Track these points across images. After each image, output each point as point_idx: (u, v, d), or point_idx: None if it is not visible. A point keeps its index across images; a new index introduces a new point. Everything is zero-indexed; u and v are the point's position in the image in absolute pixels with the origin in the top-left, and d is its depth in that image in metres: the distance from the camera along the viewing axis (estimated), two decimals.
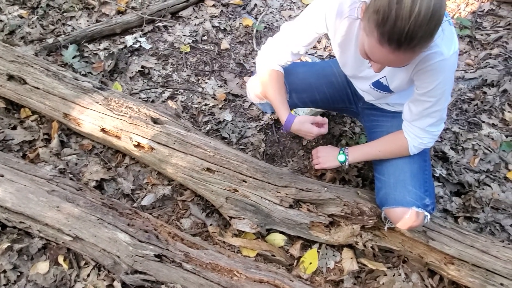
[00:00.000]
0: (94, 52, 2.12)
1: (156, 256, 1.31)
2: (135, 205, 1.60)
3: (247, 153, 1.81)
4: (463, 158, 1.87)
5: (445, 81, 1.15)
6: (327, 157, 1.49)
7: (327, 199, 1.45)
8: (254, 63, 2.25)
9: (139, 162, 1.73)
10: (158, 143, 1.58)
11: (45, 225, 1.38)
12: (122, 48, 2.16)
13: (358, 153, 1.45)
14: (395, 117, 1.50)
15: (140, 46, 2.19)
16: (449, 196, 1.73)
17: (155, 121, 1.64)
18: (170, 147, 1.56)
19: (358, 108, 1.63)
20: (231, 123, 1.93)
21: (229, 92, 2.07)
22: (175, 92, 2.03)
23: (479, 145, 1.91)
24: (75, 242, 1.36)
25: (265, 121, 1.96)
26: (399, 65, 1.03)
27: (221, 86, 2.10)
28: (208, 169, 1.52)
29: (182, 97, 2.02)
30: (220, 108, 2.00)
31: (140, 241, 1.34)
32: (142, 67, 2.09)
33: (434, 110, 1.23)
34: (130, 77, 2.05)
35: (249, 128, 1.93)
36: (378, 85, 1.36)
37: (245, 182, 1.49)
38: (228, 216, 1.51)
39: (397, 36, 0.89)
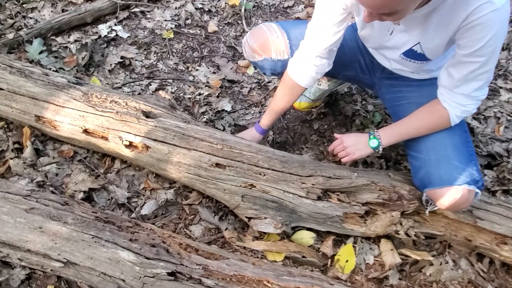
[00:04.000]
0: (64, 45, 1.84)
1: (169, 274, 1.07)
2: (134, 215, 1.35)
3: None
4: (487, 127, 1.72)
5: (497, 36, 0.98)
6: (357, 145, 1.27)
7: (360, 185, 1.25)
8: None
9: (131, 165, 1.48)
10: (154, 140, 1.34)
11: (27, 252, 1.11)
12: (96, 39, 1.88)
13: (391, 134, 1.26)
14: (422, 85, 1.32)
15: (117, 35, 1.92)
16: (480, 169, 1.57)
17: (148, 115, 1.39)
18: (169, 143, 1.33)
19: (374, 79, 1.44)
20: (229, 115, 1.70)
21: (224, 78, 1.84)
22: (164, 83, 1.79)
23: (501, 112, 1.77)
24: (66, 268, 1.11)
25: None
26: (389, 8, 0.85)
27: (214, 73, 1.87)
28: (218, 165, 1.30)
29: (172, 88, 1.78)
30: (217, 97, 1.77)
31: (147, 258, 1.10)
32: (122, 58, 1.83)
33: (482, 71, 1.05)
34: (109, 70, 1.79)
35: (253, 115, 1.71)
36: (411, 54, 1.17)
37: (263, 175, 1.27)
38: (246, 217, 1.29)
39: None
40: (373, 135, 1.25)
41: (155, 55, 1.90)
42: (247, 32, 2.02)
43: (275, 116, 1.44)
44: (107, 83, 1.74)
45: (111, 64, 1.79)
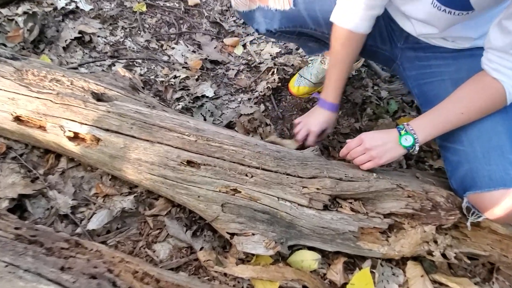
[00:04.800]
0: (10, 18, 1.50)
1: None
2: (79, 230, 1.02)
3: None
4: None
5: None
6: (384, 146, 0.93)
7: (381, 190, 0.93)
8: (234, 21, 1.70)
9: (82, 165, 1.14)
10: (106, 130, 1.00)
11: None
12: (50, 11, 1.54)
13: (430, 126, 0.92)
14: (459, 57, 1.01)
15: (77, 7, 1.59)
16: None
17: (99, 97, 1.06)
18: (126, 135, 0.99)
19: (395, 50, 1.12)
20: (211, 102, 1.37)
21: (206, 59, 1.51)
22: (130, 63, 1.45)
23: None
24: None
25: (260, 91, 1.42)
26: None
27: (194, 52, 1.54)
28: (190, 162, 0.96)
29: (141, 69, 1.44)
30: (197, 80, 1.44)
31: None
32: (81, 33, 1.49)
33: None
34: (63, 48, 1.45)
35: (240, 102, 1.38)
36: (447, 0, 0.85)
37: (251, 176, 0.94)
38: (228, 233, 0.96)
39: None
40: (404, 129, 0.92)
41: (123, 30, 1.56)
42: None
43: (341, 83, 1.10)
44: (60, 63, 1.41)
45: (66, 40, 1.45)
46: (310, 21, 1.08)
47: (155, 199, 1.10)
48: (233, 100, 1.38)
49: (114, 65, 1.43)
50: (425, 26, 0.97)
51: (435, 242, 0.95)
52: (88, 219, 1.04)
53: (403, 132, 0.92)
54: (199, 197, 0.97)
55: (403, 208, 0.92)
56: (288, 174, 0.95)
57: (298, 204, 0.93)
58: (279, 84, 1.43)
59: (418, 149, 0.92)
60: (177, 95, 1.37)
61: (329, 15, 1.02)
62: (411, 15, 0.96)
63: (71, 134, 1.03)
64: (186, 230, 1.03)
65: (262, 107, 1.36)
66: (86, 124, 1.01)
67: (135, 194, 1.09)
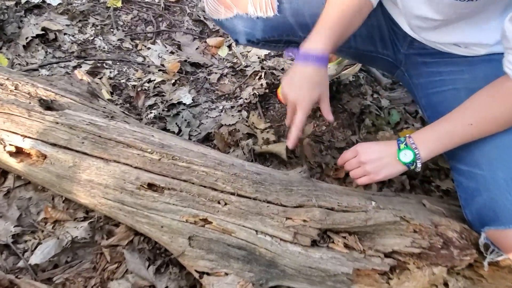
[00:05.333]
0: None
1: None
2: (21, 264, 0.85)
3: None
4: None
5: None
6: (380, 161, 0.78)
7: (382, 223, 0.76)
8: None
9: (31, 183, 0.98)
10: (54, 144, 0.84)
11: None
12: (11, 6, 1.38)
13: (434, 139, 0.76)
14: (474, 62, 0.86)
15: (43, 1, 1.42)
16: None
17: (48, 105, 0.90)
18: (76, 151, 0.83)
19: (398, 55, 0.96)
20: (188, 110, 1.21)
21: (185, 61, 1.35)
22: (99, 65, 1.29)
23: None
24: None
25: (245, 98, 1.25)
26: None
27: (172, 53, 1.38)
28: (151, 186, 0.80)
29: (111, 72, 1.28)
30: (174, 85, 1.27)
31: None
32: (44, 29, 1.32)
33: None
34: (24, 46, 1.28)
35: (221, 111, 1.21)
36: None
37: (224, 204, 0.78)
38: (197, 272, 0.79)
39: None
40: (404, 143, 0.76)
41: (93, 28, 1.40)
42: None
43: (339, 27, 0.77)
44: (18, 63, 1.24)
45: (26, 38, 1.29)
46: (299, 28, 0.91)
47: (116, 225, 0.94)
48: (214, 108, 1.22)
49: (81, 66, 1.27)
50: (426, 22, 0.80)
51: (446, 285, 0.78)
52: (31, 251, 0.87)
53: (402, 146, 0.77)
54: (162, 227, 0.80)
55: (408, 247, 0.75)
56: (269, 202, 0.78)
57: (281, 239, 0.77)
58: (267, 91, 1.27)
59: (420, 166, 0.76)
60: (150, 102, 1.21)
61: None
62: (416, 13, 0.80)
63: (13, 149, 0.86)
64: (149, 265, 0.86)
65: (246, 115, 1.20)
66: (29, 137, 0.85)
67: (91, 220, 0.92)
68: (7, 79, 0.92)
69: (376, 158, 0.77)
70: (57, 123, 0.85)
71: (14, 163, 0.87)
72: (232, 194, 0.79)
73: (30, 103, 0.88)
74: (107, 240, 0.90)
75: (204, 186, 0.79)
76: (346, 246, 0.77)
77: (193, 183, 0.79)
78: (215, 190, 0.79)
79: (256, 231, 0.77)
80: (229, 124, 1.15)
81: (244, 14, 0.86)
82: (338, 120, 1.24)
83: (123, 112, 0.97)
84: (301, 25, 0.90)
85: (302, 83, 0.77)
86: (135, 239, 0.91)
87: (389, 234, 0.77)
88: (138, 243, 0.91)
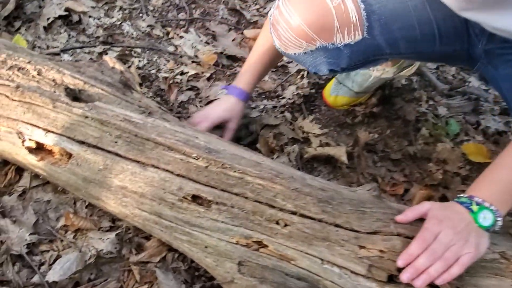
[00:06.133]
0: None
1: None
2: (36, 279, 0.73)
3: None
4: None
5: None
6: (461, 238, 0.59)
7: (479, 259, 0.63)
8: (257, 10, 1.41)
9: (50, 183, 0.85)
10: (81, 142, 0.71)
11: None
12: None
13: (499, 190, 0.63)
14: None
15: None
16: None
17: (76, 95, 0.77)
18: (108, 151, 0.70)
19: (475, 50, 0.82)
20: None
21: (221, 53, 1.22)
22: (127, 53, 1.16)
23: None
24: None
25: (289, 98, 1.12)
26: None
27: (207, 43, 1.25)
28: (196, 198, 0.67)
29: (140, 61, 1.15)
30: (209, 79, 1.14)
31: None
32: (68, 10, 1.20)
33: None
34: (45, 27, 1.16)
35: (262, 110, 1.08)
36: None
37: (284, 225, 0.65)
38: None
39: None
40: (472, 203, 0.62)
41: (121, 12, 1.27)
42: None
43: (260, 70, 0.94)
44: (39, 46, 1.12)
45: (48, 19, 1.16)
46: (386, 46, 0.77)
47: (146, 238, 0.81)
48: (254, 108, 1.09)
49: (107, 53, 1.14)
50: None
51: None
52: (49, 265, 0.75)
53: (474, 207, 0.62)
54: (206, 247, 0.67)
55: None
56: (338, 226, 0.65)
57: (351, 272, 0.63)
58: (313, 91, 1.14)
59: (501, 224, 0.62)
60: (183, 97, 1.08)
61: (412, 32, 0.74)
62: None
63: (33, 144, 0.74)
64: None
65: (290, 117, 1.07)
66: (53, 132, 0.72)
67: (118, 232, 0.79)
68: (29, 62, 0.79)
69: (455, 234, 0.59)
70: (86, 117, 0.72)
71: (33, 161, 0.74)
72: (294, 213, 0.66)
73: (55, 92, 0.75)
74: (136, 256, 0.78)
75: (260, 202, 0.66)
76: (430, 284, 0.64)
77: (246, 198, 0.66)
78: (273, 207, 0.66)
79: (322, 260, 0.64)
80: (273, 126, 1.02)
81: (329, 44, 0.72)
82: (392, 128, 1.10)
83: (160, 107, 0.84)
84: (390, 42, 0.76)
85: (221, 104, 0.93)
86: (168, 256, 0.79)
87: (482, 273, 0.64)
88: (172, 261, 0.78)
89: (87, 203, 0.83)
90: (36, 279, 0.73)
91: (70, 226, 0.80)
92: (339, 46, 0.72)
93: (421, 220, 0.65)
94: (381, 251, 0.63)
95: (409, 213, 0.65)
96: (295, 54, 0.76)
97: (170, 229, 0.69)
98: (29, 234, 0.77)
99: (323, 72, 0.77)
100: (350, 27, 0.70)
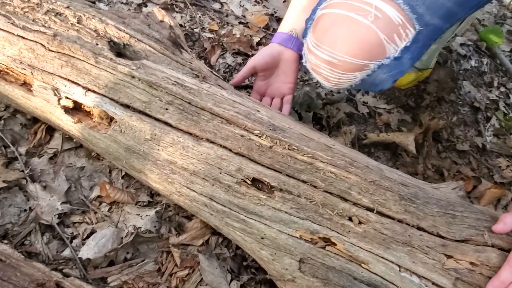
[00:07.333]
0: None
1: None
2: (66, 253, 0.65)
3: None
4: None
5: None
6: None
7: None
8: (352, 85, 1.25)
9: (84, 147, 0.77)
10: (126, 106, 0.62)
11: None
12: None
13: None
14: None
15: None
16: None
17: (120, 50, 0.67)
18: (157, 119, 0.61)
19: None
20: None
21: (272, 15, 1.09)
22: (169, 7, 1.04)
23: None
24: None
25: None
26: None
27: (257, 3, 1.12)
28: (257, 182, 0.58)
29: (182, 17, 1.03)
30: (258, 44, 1.02)
31: None
32: None
33: None
34: None
35: (317, 83, 0.97)
36: None
37: (358, 222, 0.55)
38: None
39: None
40: None
41: None
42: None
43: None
44: None
45: None
46: (443, 22, 0.62)
47: (187, 217, 0.73)
48: (307, 80, 0.97)
49: (146, 6, 1.02)
50: None
51: None
52: (82, 239, 0.67)
53: None
54: (263, 238, 0.59)
55: None
56: (421, 229, 0.56)
57: (433, 283, 0.54)
58: None
59: None
60: (227, 60, 0.97)
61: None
62: None
63: (70, 104, 0.64)
64: (231, 280, 0.66)
65: (346, 92, 0.95)
66: (94, 91, 0.62)
67: (157, 209, 0.71)
68: (68, 7, 0.68)
69: None
70: (133, 77, 0.62)
71: (69, 122, 0.65)
72: (371, 210, 0.56)
73: (97, 44, 0.65)
74: (177, 237, 0.69)
75: (331, 194, 0.57)
76: None
77: (315, 187, 0.57)
78: (347, 201, 0.56)
79: (400, 266, 0.55)
80: (329, 101, 0.91)
81: (386, 60, 0.59)
82: (458, 115, 0.98)
83: (211, 71, 0.73)
84: (444, 17, 0.62)
85: (264, 50, 0.80)
86: (211, 240, 0.70)
87: None
88: (215, 246, 0.70)
89: (123, 173, 0.75)
90: (67, 253, 0.66)
91: (106, 197, 0.71)
92: (396, 56, 0.59)
93: None
94: (472, 263, 0.54)
95: (509, 222, 0.55)
96: (351, 86, 0.64)
97: (222, 213, 0.60)
98: (61, 203, 0.69)
99: (388, 86, 0.65)
100: (398, 30, 0.57)
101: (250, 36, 1.03)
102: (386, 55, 0.58)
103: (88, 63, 0.63)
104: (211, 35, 1.01)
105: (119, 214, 0.70)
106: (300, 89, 0.92)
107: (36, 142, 0.76)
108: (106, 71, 0.62)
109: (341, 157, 0.60)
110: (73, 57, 0.63)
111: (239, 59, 0.98)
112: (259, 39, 1.02)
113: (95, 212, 0.70)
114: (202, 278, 0.66)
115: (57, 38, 0.64)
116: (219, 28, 1.03)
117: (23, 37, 0.64)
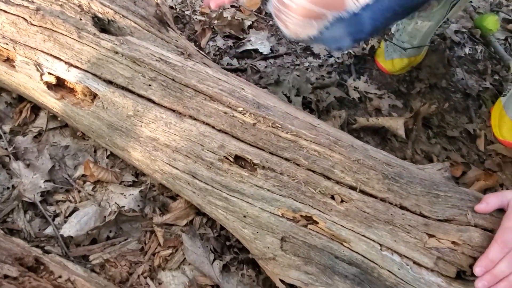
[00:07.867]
0: None
1: None
2: (48, 231, 0.65)
3: None
4: None
5: None
6: None
7: None
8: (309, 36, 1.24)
9: (69, 126, 0.76)
10: (109, 82, 0.61)
11: None
12: None
13: None
14: None
15: None
16: None
17: (104, 26, 0.66)
18: (140, 95, 0.60)
19: None
20: (265, 62, 0.96)
21: None
22: None
23: None
24: None
25: (337, 57, 0.99)
26: None
27: None
28: (239, 160, 0.57)
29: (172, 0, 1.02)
30: (250, 27, 1.01)
31: None
32: None
33: None
34: None
35: (307, 69, 0.96)
36: None
37: (340, 200, 0.55)
38: (283, 283, 0.58)
39: None
40: None
41: None
42: None
43: None
44: None
45: None
46: None
47: (172, 197, 0.72)
48: (298, 64, 0.96)
49: None
50: None
51: None
52: (65, 217, 0.67)
53: None
54: (245, 217, 0.58)
55: None
56: (404, 208, 0.55)
57: (414, 262, 0.54)
58: (365, 51, 1.00)
59: None
60: (217, 43, 0.96)
61: None
62: None
63: (53, 80, 0.63)
64: (214, 260, 0.66)
65: (337, 78, 0.95)
66: (77, 66, 0.61)
67: (142, 188, 0.71)
68: None
69: None
70: (116, 52, 0.61)
71: (51, 99, 0.64)
72: (353, 188, 0.56)
73: (81, 19, 0.64)
74: (160, 217, 0.69)
75: (314, 172, 0.56)
76: None
77: (298, 165, 0.56)
78: (329, 179, 0.56)
79: (381, 245, 0.54)
80: (319, 86, 0.90)
81: (344, 13, 0.57)
82: (450, 101, 0.98)
83: (198, 51, 0.72)
84: None
85: None
86: (195, 220, 0.70)
87: None
88: (200, 226, 0.70)
89: (108, 153, 0.74)
90: (49, 230, 0.66)
91: (89, 176, 0.71)
92: (355, 11, 0.58)
93: (500, 210, 0.55)
94: (454, 242, 0.53)
95: (492, 202, 0.55)
96: (309, 37, 0.62)
97: (204, 191, 0.59)
98: (44, 181, 0.69)
99: (346, 45, 0.64)
100: None
101: (242, 19, 1.01)
102: (344, 8, 0.56)
103: (71, 37, 0.62)
104: (202, 18, 1.00)
105: (102, 193, 0.70)
106: (290, 73, 0.91)
107: (21, 121, 0.76)
108: (89, 46, 0.61)
109: (325, 136, 0.59)
110: (55, 31, 0.62)
111: (230, 42, 0.97)
112: (251, 22, 1.01)
113: (79, 191, 0.70)
114: (185, 258, 0.66)
115: (39, 12, 0.63)
116: (209, 10, 1.02)
117: (5, 11, 0.63)
